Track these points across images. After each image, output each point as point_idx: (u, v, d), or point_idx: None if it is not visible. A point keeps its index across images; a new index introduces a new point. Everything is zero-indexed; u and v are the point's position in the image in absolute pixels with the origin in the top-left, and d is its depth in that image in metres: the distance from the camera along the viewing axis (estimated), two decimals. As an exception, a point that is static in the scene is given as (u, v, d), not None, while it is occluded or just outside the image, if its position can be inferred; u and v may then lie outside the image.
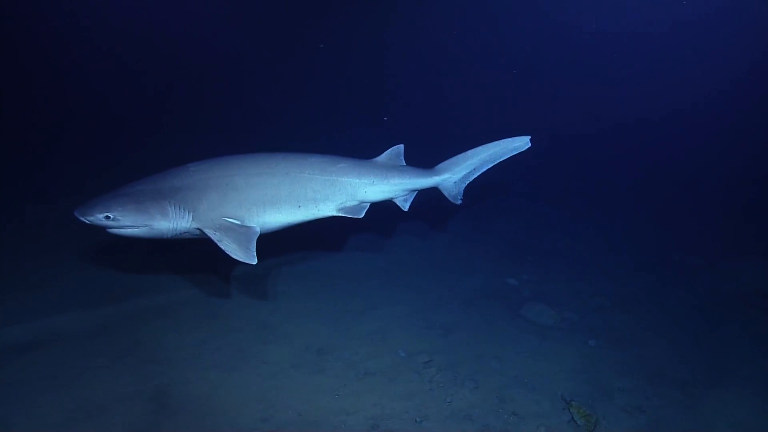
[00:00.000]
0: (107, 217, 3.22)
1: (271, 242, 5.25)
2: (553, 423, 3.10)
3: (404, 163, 4.51)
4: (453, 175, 4.67)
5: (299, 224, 3.96)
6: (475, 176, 4.76)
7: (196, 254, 4.58)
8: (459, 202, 4.77)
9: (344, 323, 4.00)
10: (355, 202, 4.11)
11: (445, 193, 4.74)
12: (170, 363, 3.24)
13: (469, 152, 4.65)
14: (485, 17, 17.12)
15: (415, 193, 4.62)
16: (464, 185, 4.75)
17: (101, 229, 3.34)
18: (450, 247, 5.99)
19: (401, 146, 4.51)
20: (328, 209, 4.00)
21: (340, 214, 4.03)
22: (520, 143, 4.63)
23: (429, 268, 5.33)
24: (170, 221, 3.36)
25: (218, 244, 3.32)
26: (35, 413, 2.71)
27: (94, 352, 3.29)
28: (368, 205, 4.21)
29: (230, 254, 3.28)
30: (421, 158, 4.77)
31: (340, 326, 3.95)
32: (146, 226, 3.32)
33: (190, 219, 3.42)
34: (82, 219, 3.27)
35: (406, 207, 4.58)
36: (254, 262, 3.28)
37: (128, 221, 3.27)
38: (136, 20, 13.79)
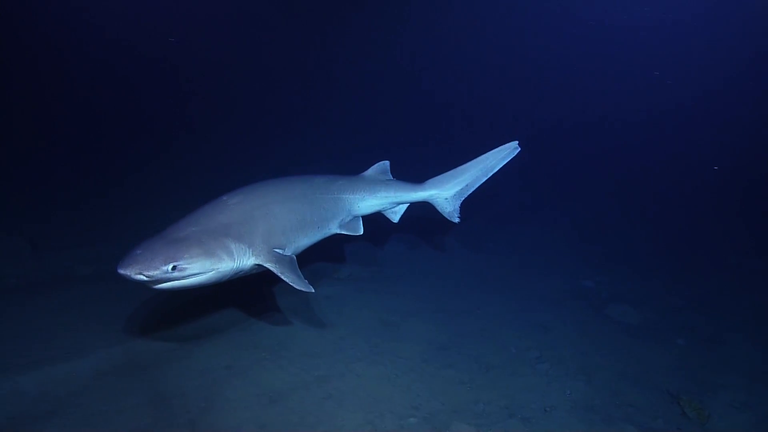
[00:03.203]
0: (174, 268, 2.76)
1: (370, 250, 5.58)
2: (667, 415, 3.26)
3: (391, 177, 4.50)
4: (442, 192, 4.47)
5: (312, 246, 3.90)
6: (469, 192, 4.55)
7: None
8: (456, 220, 4.54)
9: (454, 322, 4.21)
10: (351, 217, 4.15)
11: (438, 210, 4.55)
12: (320, 357, 3.49)
13: (459, 168, 4.48)
14: (475, 12, 16.97)
15: (406, 206, 4.58)
16: (459, 202, 4.54)
17: (144, 285, 2.81)
18: (514, 254, 6.08)
19: (387, 162, 4.52)
20: (334, 227, 3.99)
21: (342, 232, 4.03)
22: (509, 150, 4.43)
23: (508, 272, 5.51)
24: (235, 261, 3.08)
25: (281, 276, 3.18)
26: (228, 396, 2.99)
27: (252, 347, 3.55)
28: (361, 219, 4.21)
29: (292, 284, 3.17)
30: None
31: (452, 325, 4.16)
32: (213, 270, 2.96)
33: (251, 255, 3.19)
34: (139, 276, 2.70)
35: (395, 219, 4.55)
36: (313, 290, 3.18)
37: (196, 268, 2.86)
38: (148, 31, 13.76)
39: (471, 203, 4.78)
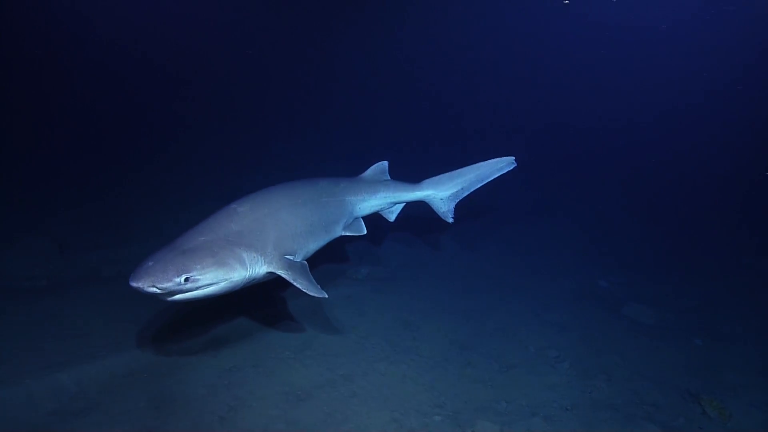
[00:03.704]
0: (187, 280, 2.72)
1: (381, 250, 5.61)
2: (688, 414, 3.26)
3: (389, 178, 4.58)
4: (438, 193, 4.64)
5: (319, 250, 3.90)
6: (464, 195, 4.72)
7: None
8: (450, 220, 4.73)
9: (472, 322, 4.24)
10: (352, 219, 4.19)
11: (434, 208, 4.73)
12: (343, 356, 3.52)
13: (456, 172, 4.64)
14: (477, 13, 16.94)
15: (402, 205, 4.70)
16: (454, 204, 4.71)
17: (157, 297, 2.78)
18: (524, 255, 6.05)
19: (386, 162, 4.61)
20: (339, 229, 4.02)
21: (347, 233, 4.06)
22: (506, 164, 4.64)
23: (520, 273, 5.51)
24: (247, 270, 3.05)
25: (294, 283, 3.18)
26: (256, 394, 3.03)
27: (276, 347, 3.58)
28: (362, 219, 4.28)
29: (305, 291, 3.18)
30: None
31: (470, 325, 4.19)
32: (226, 280, 2.92)
33: (263, 263, 3.18)
34: (152, 289, 2.67)
35: (392, 218, 4.67)
36: (326, 295, 3.21)
37: (208, 279, 2.83)
38: (144, 28, 13.67)
39: (478, 205, 4.83)
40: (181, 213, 6.02)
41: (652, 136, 12.24)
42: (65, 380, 2.87)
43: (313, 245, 3.77)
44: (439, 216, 4.76)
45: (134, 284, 2.67)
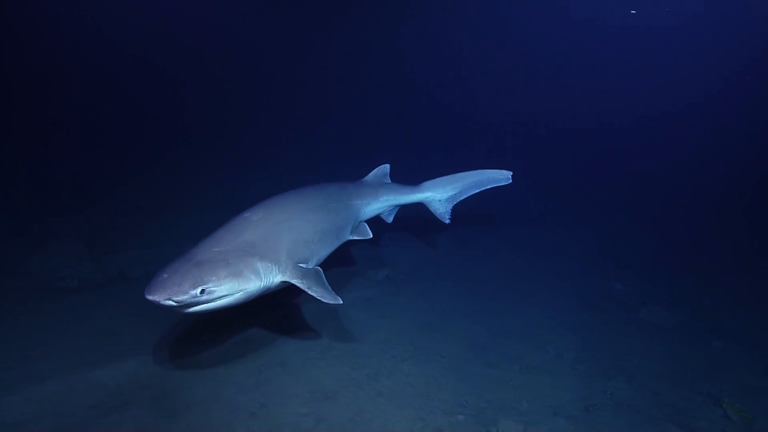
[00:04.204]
0: (202, 292, 2.70)
1: (392, 254, 5.65)
2: (710, 417, 3.27)
3: (389, 181, 4.64)
4: (437, 195, 4.77)
5: (330, 255, 3.90)
6: (461, 199, 4.87)
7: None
8: (447, 221, 4.88)
9: (492, 323, 4.27)
10: (357, 223, 4.21)
11: (431, 209, 4.85)
12: (368, 356, 3.57)
13: (455, 176, 4.78)
14: (482, 15, 16.94)
15: (399, 207, 4.79)
16: (451, 206, 4.85)
17: (172, 310, 2.74)
18: (536, 258, 6.04)
19: (387, 165, 4.65)
20: (347, 234, 4.02)
21: (353, 237, 4.08)
22: (503, 177, 4.78)
23: (534, 276, 5.52)
24: (262, 280, 3.02)
25: (308, 291, 3.16)
26: (285, 392, 3.09)
27: (301, 347, 3.64)
28: (365, 222, 4.31)
29: (320, 299, 3.15)
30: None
31: (490, 326, 4.22)
32: (241, 291, 2.90)
33: (277, 272, 3.15)
34: (168, 302, 2.65)
35: (390, 219, 4.76)
36: (341, 301, 3.18)
37: (224, 290, 2.80)
38: (142, 31, 13.90)
39: (483, 208, 4.87)
40: (188, 215, 6.12)
41: (658, 138, 12.20)
42: (103, 377, 2.96)
43: (325, 251, 3.79)
44: (436, 217, 4.87)
45: (150, 297, 2.65)
